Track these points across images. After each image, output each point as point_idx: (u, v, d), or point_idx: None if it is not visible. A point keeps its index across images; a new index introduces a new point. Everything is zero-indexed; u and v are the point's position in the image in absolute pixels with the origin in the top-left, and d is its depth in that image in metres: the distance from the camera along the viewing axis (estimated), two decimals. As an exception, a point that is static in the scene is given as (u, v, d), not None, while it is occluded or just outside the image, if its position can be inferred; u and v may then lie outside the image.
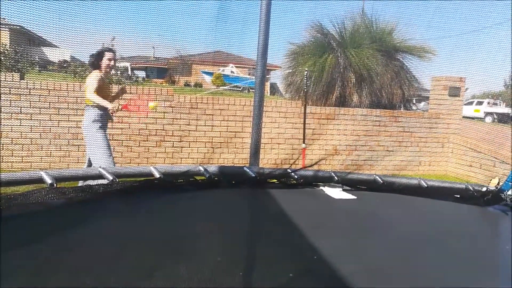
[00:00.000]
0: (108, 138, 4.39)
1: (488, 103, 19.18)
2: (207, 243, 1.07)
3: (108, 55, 4.32)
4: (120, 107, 4.32)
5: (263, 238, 1.18)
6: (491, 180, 1.69)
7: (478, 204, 1.59)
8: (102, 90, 4.22)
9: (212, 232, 1.15)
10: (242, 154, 6.85)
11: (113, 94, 4.57)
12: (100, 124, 4.23)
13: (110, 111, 4.24)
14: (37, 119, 6.03)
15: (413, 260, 1.07)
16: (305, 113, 6.48)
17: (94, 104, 4.17)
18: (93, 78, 4.24)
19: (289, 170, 1.59)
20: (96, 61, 4.29)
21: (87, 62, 4.45)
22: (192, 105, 6.78)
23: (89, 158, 4.33)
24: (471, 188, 1.67)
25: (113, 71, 8.32)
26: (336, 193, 1.56)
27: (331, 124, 7.44)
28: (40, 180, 1.26)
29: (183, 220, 1.25)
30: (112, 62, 4.40)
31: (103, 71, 4.33)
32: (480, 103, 19.15)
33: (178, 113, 6.72)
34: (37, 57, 6.17)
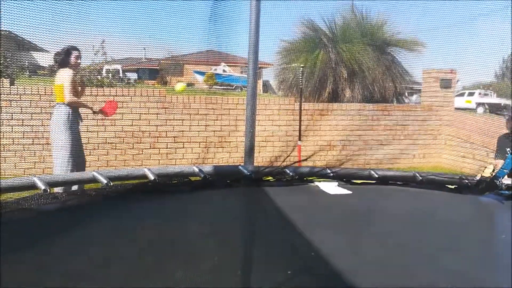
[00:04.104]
0: (76, 139, 4.24)
1: (480, 93, 19.27)
2: (204, 243, 1.06)
3: (74, 53, 4.28)
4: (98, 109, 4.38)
5: (260, 236, 1.17)
6: (485, 168, 1.70)
7: (474, 194, 1.60)
8: (75, 89, 4.20)
9: (209, 232, 1.15)
10: (237, 153, 6.84)
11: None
12: (69, 124, 4.14)
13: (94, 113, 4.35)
14: (28, 125, 5.97)
15: (410, 253, 1.07)
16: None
17: (66, 103, 4.11)
18: (67, 76, 4.17)
19: (283, 167, 1.59)
20: (65, 58, 4.22)
21: (54, 60, 4.37)
22: (185, 106, 6.75)
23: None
24: (464, 178, 1.68)
25: (104, 74, 8.24)
26: (331, 188, 1.56)
27: (324, 119, 7.45)
28: (34, 186, 1.24)
29: (179, 221, 1.24)
30: (79, 61, 4.36)
31: (73, 69, 4.29)
32: (471, 94, 19.23)
33: (171, 113, 6.69)
34: (26, 62, 6.10)
